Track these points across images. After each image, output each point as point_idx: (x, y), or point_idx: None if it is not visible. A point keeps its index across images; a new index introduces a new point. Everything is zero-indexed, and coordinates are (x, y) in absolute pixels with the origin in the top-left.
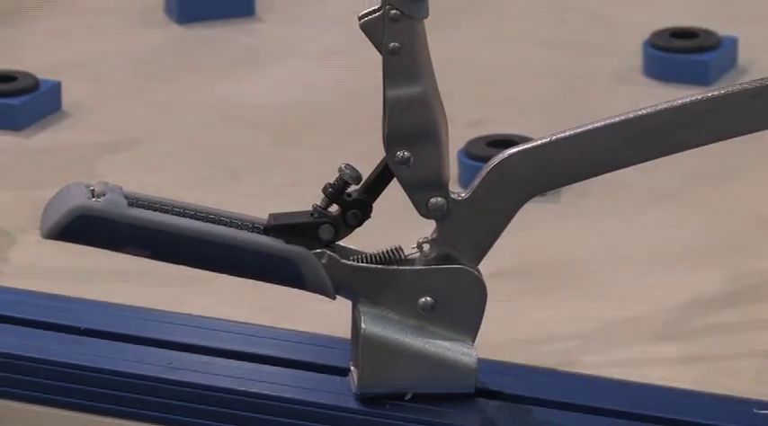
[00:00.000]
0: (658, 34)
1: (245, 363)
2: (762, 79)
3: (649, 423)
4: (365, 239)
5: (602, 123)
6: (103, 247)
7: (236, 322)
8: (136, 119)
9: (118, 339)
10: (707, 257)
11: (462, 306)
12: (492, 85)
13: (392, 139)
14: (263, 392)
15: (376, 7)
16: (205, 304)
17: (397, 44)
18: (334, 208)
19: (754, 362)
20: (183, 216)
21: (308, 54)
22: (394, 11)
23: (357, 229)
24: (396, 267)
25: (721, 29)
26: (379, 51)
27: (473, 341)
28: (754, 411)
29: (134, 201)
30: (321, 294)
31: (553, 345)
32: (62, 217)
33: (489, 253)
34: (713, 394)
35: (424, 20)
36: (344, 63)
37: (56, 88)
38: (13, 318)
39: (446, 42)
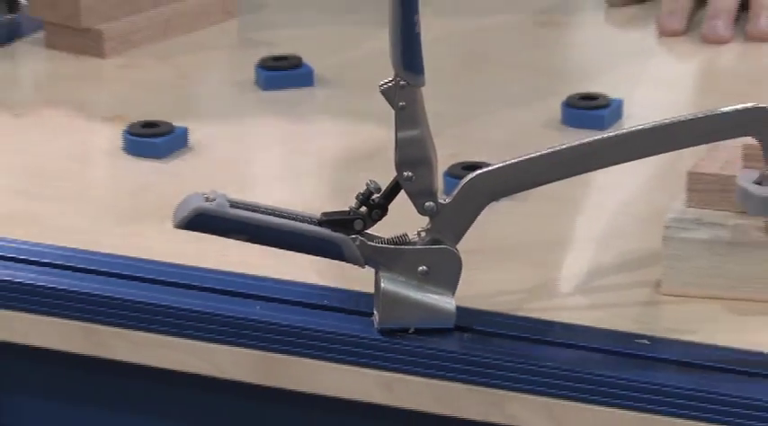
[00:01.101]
0: (571, 97)
1: (300, 308)
2: (637, 126)
3: (572, 349)
4: (384, 228)
5: (538, 153)
6: (214, 234)
7: (298, 281)
8: (240, 154)
9: (222, 293)
10: (600, 238)
11: (446, 273)
12: (463, 131)
13: (400, 165)
14: (315, 327)
15: (390, 79)
16: (283, 270)
17: (404, 103)
18: (363, 209)
19: (635, 309)
20: (266, 213)
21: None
22: (402, 82)
23: (378, 222)
24: (403, 247)
25: (612, 93)
26: (392, 107)
27: (453, 295)
28: (635, 341)
29: (233, 204)
30: (355, 264)
31: (506, 297)
32: (187, 214)
33: (464, 238)
34: (609, 330)
35: (422, 87)
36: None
37: (184, 132)
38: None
39: (434, 103)
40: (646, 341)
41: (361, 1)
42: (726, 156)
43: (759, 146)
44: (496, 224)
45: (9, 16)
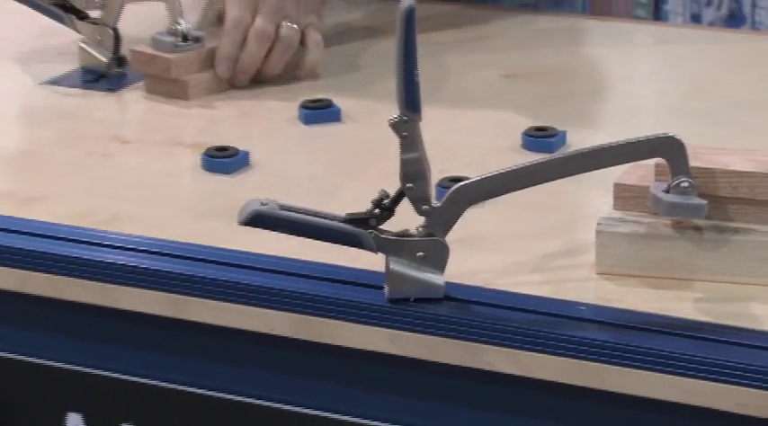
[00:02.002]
0: (530, 129)
1: (329, 282)
2: (577, 150)
3: (529, 313)
4: (392, 225)
5: (505, 170)
6: (267, 229)
7: (328, 263)
8: (288, 170)
9: (272, 272)
10: (550, 232)
11: (438, 258)
12: (449, 153)
13: (404, 178)
14: (340, 297)
15: (396, 115)
16: (318, 256)
17: (406, 133)
18: (376, 211)
19: (575, 284)
20: (305, 214)
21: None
22: (405, 117)
23: (388, 221)
24: (406, 238)
25: (559, 126)
26: (398, 136)
27: (442, 274)
28: (576, 307)
29: (282, 207)
30: (370, 251)
31: (481, 275)
32: (247, 215)
33: (450, 232)
34: (556, 299)
35: (419, 122)
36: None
37: (246, 154)
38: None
39: (427, 133)
40: (583, 307)
41: (372, 56)
42: (642, 172)
43: (667, 164)
44: (475, 221)
45: (119, 70)
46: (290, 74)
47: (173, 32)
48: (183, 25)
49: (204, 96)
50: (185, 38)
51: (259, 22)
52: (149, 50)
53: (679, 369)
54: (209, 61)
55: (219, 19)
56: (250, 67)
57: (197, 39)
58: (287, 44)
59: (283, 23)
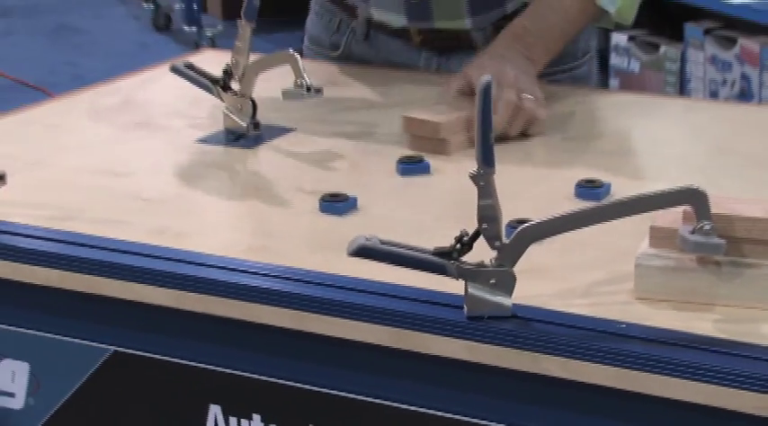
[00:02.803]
0: (581, 181)
1: (425, 303)
2: (622, 198)
3: (580, 329)
4: (471, 256)
5: (562, 213)
6: (371, 260)
7: (422, 287)
8: (389, 213)
9: (375, 294)
10: (597, 263)
11: (506, 284)
12: (517, 199)
13: (480, 220)
14: (427, 314)
15: (475, 169)
16: (415, 281)
17: (483, 183)
18: (458, 246)
19: (617, 306)
20: (401, 248)
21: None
22: (482, 170)
23: (467, 254)
24: (482, 269)
25: (605, 179)
26: (476, 185)
27: (510, 297)
28: (620, 325)
29: (383, 242)
30: (453, 278)
31: (539, 298)
32: (355, 248)
33: (517, 263)
34: (601, 318)
35: (494, 174)
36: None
37: (355, 199)
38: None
39: (502, 184)
40: (623, 325)
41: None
42: (673, 217)
43: (693, 211)
44: (536, 255)
45: (255, 132)
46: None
47: (299, 85)
48: (307, 80)
49: (324, 151)
50: (308, 89)
51: (508, 94)
52: (421, 116)
53: (701, 376)
54: (464, 125)
55: (463, 93)
56: (499, 130)
57: (318, 90)
58: (530, 114)
59: (523, 95)
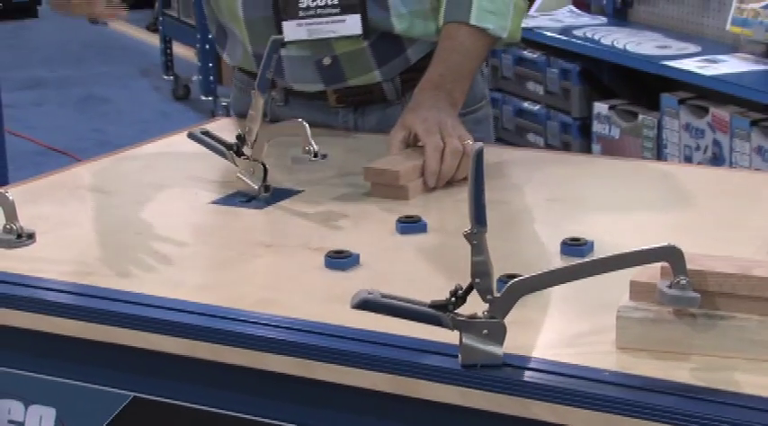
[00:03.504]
0: (566, 240)
1: (422, 352)
2: (604, 255)
3: (562, 376)
4: (465, 309)
5: (549, 270)
6: (373, 312)
7: (420, 338)
8: (389, 268)
9: (375, 343)
10: (582, 314)
11: (498, 334)
12: (507, 257)
13: (473, 275)
14: (423, 362)
15: (468, 228)
16: (413, 332)
17: (476, 241)
18: (453, 299)
19: (600, 355)
20: (400, 301)
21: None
22: (475, 229)
23: (461, 306)
24: (474, 320)
25: (588, 237)
26: (469, 243)
27: (501, 346)
28: (603, 372)
29: (384, 295)
30: (448, 329)
31: (528, 348)
32: (358, 301)
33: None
34: (584, 366)
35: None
36: None
37: (358, 256)
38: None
39: (493, 242)
40: (606, 373)
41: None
42: (651, 272)
43: (670, 267)
44: (526, 308)
45: (265, 194)
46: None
47: (307, 152)
48: (314, 147)
49: (329, 211)
50: (315, 155)
51: (452, 142)
52: (381, 166)
53: (678, 421)
54: (418, 172)
55: (406, 142)
56: (449, 176)
57: (324, 156)
58: (467, 158)
59: (466, 142)
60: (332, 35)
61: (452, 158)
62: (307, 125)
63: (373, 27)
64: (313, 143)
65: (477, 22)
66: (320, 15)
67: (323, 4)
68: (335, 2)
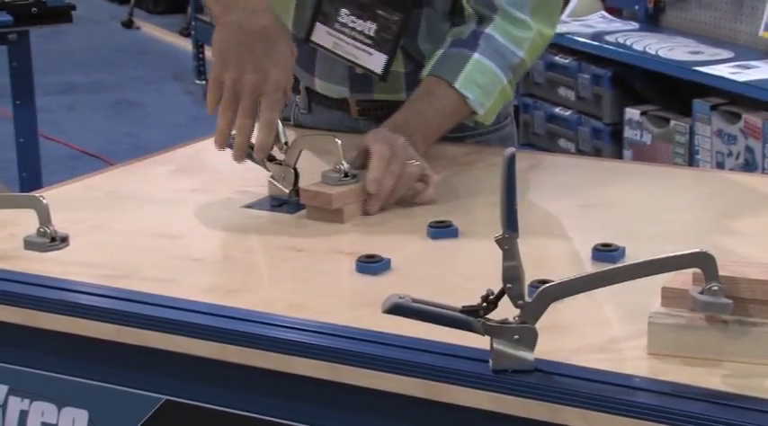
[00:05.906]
0: (597, 245)
1: (455, 358)
2: (636, 261)
3: (595, 383)
4: (496, 314)
5: (581, 275)
6: (404, 317)
7: (451, 343)
8: (420, 273)
9: (407, 348)
10: (615, 321)
11: (529, 339)
12: (538, 262)
13: (505, 280)
14: (455, 367)
15: (500, 233)
16: (445, 337)
17: (507, 246)
18: (484, 304)
19: (632, 361)
20: (432, 306)
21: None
22: (506, 235)
23: (493, 311)
24: (506, 325)
25: (620, 243)
26: (500, 248)
27: (533, 351)
28: (634, 379)
29: (414, 300)
30: (479, 334)
31: (560, 353)
32: (389, 306)
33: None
34: (618, 372)
35: (517, 238)
36: None
37: (389, 260)
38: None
39: (525, 247)
40: (637, 379)
41: (474, 189)
42: (683, 278)
43: (702, 273)
44: (557, 313)
45: (297, 198)
46: (411, 201)
47: (337, 171)
48: (345, 165)
49: (359, 217)
50: (346, 174)
51: (393, 166)
52: (315, 189)
53: None
54: (358, 195)
55: (360, 164)
56: (389, 186)
57: (354, 176)
58: (409, 177)
59: (408, 163)
60: (353, 60)
61: (397, 166)
62: (340, 142)
63: (409, 59)
64: (344, 163)
65: (461, 88)
66: (352, 37)
67: (359, 29)
68: (371, 34)
